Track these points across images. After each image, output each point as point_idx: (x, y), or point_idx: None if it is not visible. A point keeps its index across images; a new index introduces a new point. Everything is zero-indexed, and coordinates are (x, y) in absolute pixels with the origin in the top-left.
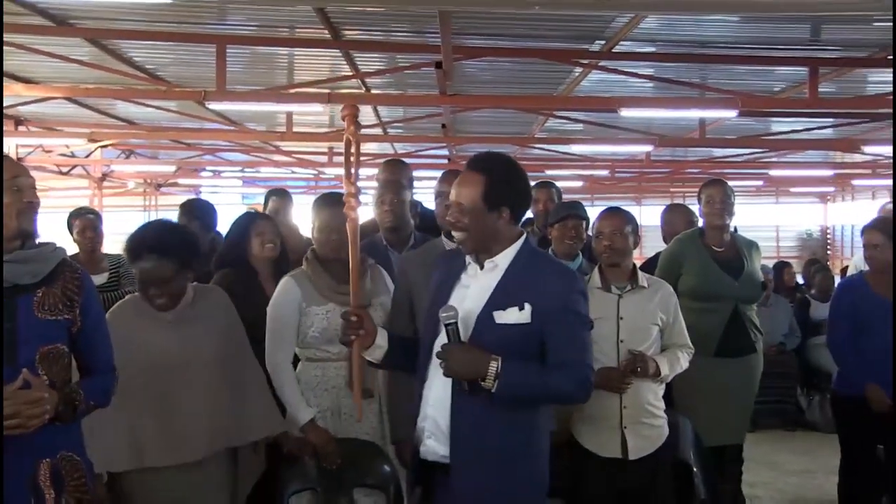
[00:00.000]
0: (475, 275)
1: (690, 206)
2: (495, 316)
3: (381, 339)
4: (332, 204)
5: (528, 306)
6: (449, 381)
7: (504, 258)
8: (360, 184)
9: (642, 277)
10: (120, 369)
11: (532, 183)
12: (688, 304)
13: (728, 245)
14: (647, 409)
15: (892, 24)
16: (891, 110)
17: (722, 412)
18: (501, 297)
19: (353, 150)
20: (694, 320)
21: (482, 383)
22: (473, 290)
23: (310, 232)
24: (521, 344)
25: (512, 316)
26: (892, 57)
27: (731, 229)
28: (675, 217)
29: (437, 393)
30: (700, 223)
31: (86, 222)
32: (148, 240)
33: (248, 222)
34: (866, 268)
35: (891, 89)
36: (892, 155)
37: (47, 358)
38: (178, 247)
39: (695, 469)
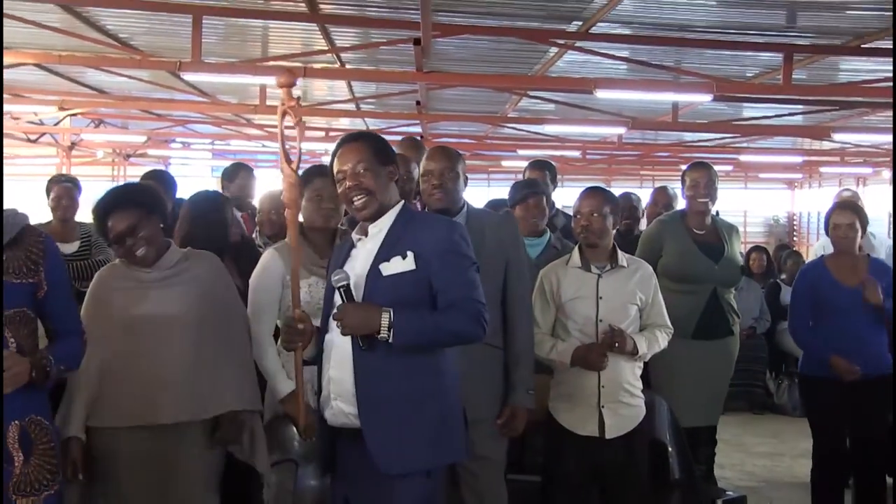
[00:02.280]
0: (362, 245)
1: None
2: (381, 269)
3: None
4: (323, 173)
5: (410, 254)
6: (348, 342)
7: (386, 220)
8: (325, 160)
9: (622, 257)
10: (97, 329)
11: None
12: (667, 285)
13: (709, 229)
14: (626, 388)
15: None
16: (861, 98)
17: (697, 394)
18: (386, 252)
19: (289, 122)
20: (672, 302)
21: (378, 336)
22: (361, 256)
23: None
24: (412, 292)
25: (397, 265)
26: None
27: (713, 213)
28: (657, 199)
29: (338, 355)
30: (678, 206)
31: (62, 190)
32: (109, 199)
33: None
34: (826, 251)
35: (862, 78)
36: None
37: (14, 321)
38: (139, 196)
39: (670, 449)
